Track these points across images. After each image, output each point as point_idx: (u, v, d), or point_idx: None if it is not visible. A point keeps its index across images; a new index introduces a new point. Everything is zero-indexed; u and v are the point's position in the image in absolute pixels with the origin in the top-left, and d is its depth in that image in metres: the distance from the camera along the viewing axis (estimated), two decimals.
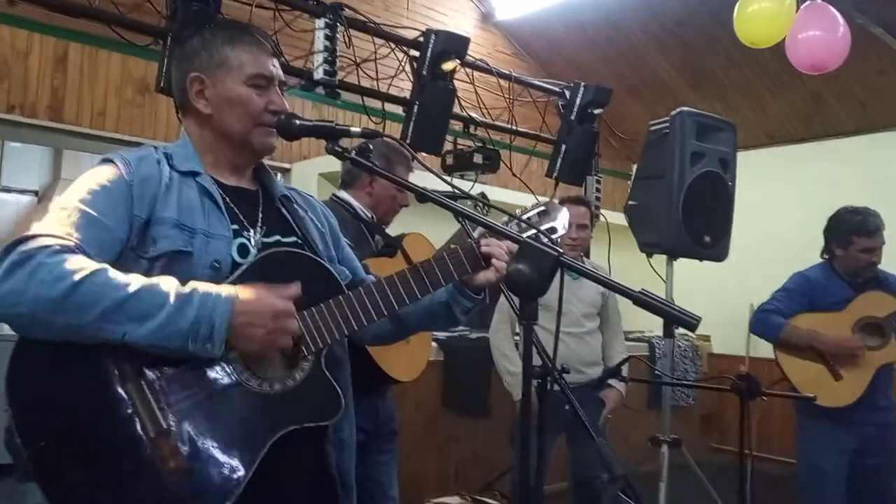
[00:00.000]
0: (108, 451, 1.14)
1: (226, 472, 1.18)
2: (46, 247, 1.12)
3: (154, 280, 1.17)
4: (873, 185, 5.10)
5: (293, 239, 1.42)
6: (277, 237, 1.40)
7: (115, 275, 1.14)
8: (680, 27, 5.44)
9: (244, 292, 1.19)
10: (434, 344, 4.16)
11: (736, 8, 3.68)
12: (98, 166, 1.30)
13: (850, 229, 2.93)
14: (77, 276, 1.10)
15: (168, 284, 1.16)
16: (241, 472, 1.18)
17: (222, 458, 1.18)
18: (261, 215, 1.40)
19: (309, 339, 1.28)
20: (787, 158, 6.11)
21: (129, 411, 1.15)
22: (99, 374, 1.15)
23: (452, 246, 1.43)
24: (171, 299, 1.14)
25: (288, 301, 1.22)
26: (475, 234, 1.45)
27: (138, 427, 1.15)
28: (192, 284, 1.17)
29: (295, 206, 1.48)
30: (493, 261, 1.39)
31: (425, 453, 4.26)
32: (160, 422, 1.16)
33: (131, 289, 1.13)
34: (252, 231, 1.36)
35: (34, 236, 1.14)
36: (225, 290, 1.18)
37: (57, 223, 1.17)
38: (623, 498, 3.08)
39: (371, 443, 2.36)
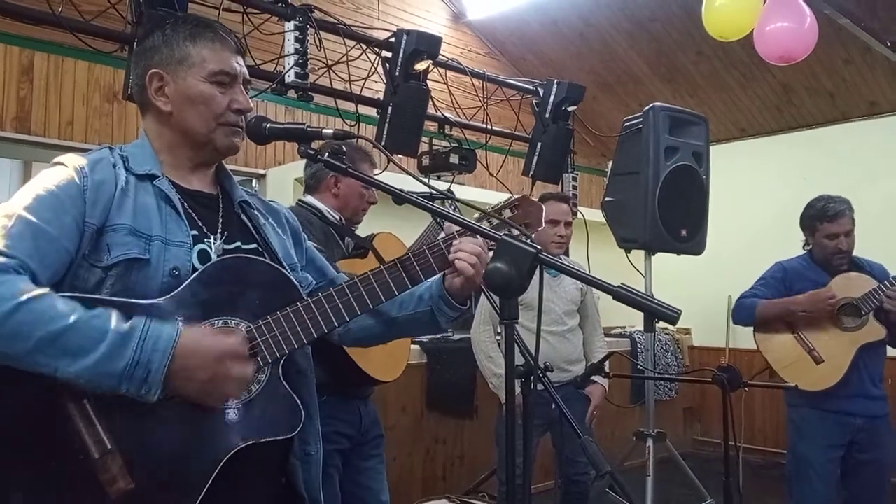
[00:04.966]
0: (49, 473, 1.08)
1: (177, 492, 1.12)
2: None
3: (96, 312, 1.10)
4: (845, 175, 5.17)
5: (254, 246, 1.36)
6: (238, 243, 1.34)
7: (53, 303, 1.08)
8: (651, 22, 5.47)
9: (188, 333, 1.13)
10: (416, 346, 4.14)
11: (704, 2, 3.70)
12: (50, 169, 1.24)
13: (813, 216, 2.98)
14: (12, 303, 1.04)
15: (109, 320, 1.09)
16: (194, 492, 1.12)
17: (173, 477, 1.12)
18: (221, 220, 1.34)
19: (265, 350, 1.23)
20: (759, 151, 6.18)
21: (72, 431, 1.09)
22: (39, 391, 1.09)
23: (421, 247, 1.38)
24: (109, 338, 1.07)
25: (236, 343, 1.16)
26: (441, 235, 1.40)
27: (82, 448, 1.08)
28: (134, 322, 1.10)
29: (255, 211, 1.43)
30: (456, 262, 1.33)
31: (412, 456, 4.23)
32: (105, 442, 1.09)
33: (68, 321, 1.06)
34: (212, 237, 1.30)
35: None
36: (167, 330, 1.11)
37: (0, 235, 1.11)
38: (610, 494, 3.09)
39: (357, 449, 2.34)
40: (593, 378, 2.94)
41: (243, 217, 1.39)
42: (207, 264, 1.24)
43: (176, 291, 1.20)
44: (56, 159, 1.26)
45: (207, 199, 1.36)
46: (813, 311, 2.86)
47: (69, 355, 1.06)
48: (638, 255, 3.40)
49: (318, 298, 1.28)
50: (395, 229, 2.67)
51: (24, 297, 1.05)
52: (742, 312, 3.03)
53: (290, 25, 2.66)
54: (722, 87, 5.88)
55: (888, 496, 2.90)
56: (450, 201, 2.57)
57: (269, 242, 1.39)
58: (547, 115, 3.58)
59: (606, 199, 3.47)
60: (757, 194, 5.91)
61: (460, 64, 3.39)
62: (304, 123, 1.35)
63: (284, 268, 1.35)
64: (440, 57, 3.04)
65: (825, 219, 2.92)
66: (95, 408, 1.10)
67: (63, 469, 1.08)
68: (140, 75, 1.33)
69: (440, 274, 1.38)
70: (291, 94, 2.77)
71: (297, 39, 2.65)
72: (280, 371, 1.26)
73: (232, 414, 1.19)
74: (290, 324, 1.25)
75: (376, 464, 2.41)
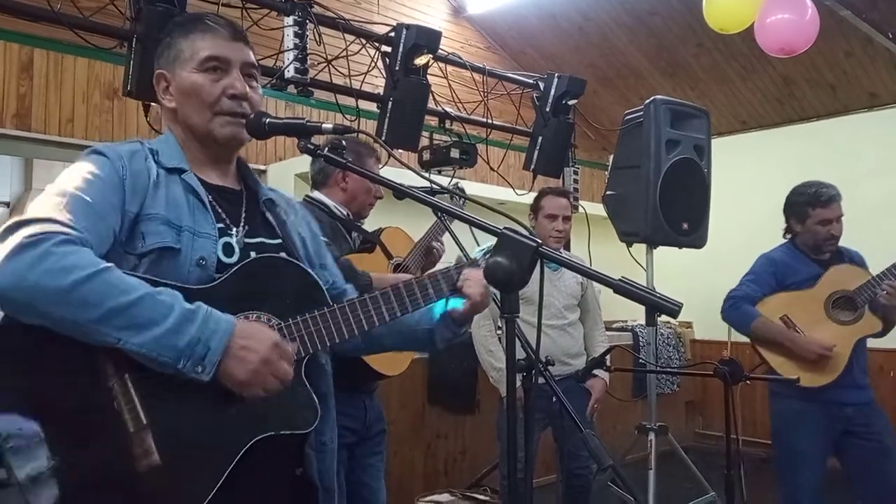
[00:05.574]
0: (85, 441, 1.13)
1: (199, 473, 1.17)
2: (55, 233, 1.10)
3: (161, 289, 1.15)
4: (845, 168, 5.16)
5: (278, 241, 1.41)
6: (261, 239, 1.39)
7: (122, 277, 1.13)
8: (650, 16, 5.46)
9: (246, 321, 1.20)
10: None
11: None
12: (89, 156, 1.27)
13: (804, 202, 2.93)
14: (85, 272, 1.08)
15: (174, 298, 1.14)
16: (215, 475, 1.17)
17: (197, 459, 1.17)
18: (244, 215, 1.39)
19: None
20: (760, 143, 6.17)
21: (109, 404, 1.14)
22: (85, 362, 1.14)
23: (442, 268, 1.47)
24: (175, 314, 1.12)
25: (289, 344, 1.22)
26: (455, 261, 1.52)
27: (118, 421, 1.13)
28: (198, 303, 1.16)
29: (278, 209, 1.47)
30: (465, 289, 1.43)
31: (413, 451, 4.24)
32: (140, 417, 1.14)
33: (138, 294, 1.11)
34: (235, 230, 1.35)
35: (40, 220, 1.11)
36: (228, 316, 1.17)
37: (60, 208, 1.15)
38: (612, 488, 3.10)
39: (362, 443, 2.35)
40: (594, 372, 2.95)
41: (268, 214, 1.44)
42: (248, 260, 1.30)
43: (217, 281, 1.25)
44: (93, 148, 1.29)
45: (231, 194, 1.41)
46: (807, 357, 2.81)
47: (136, 327, 1.10)
48: (639, 248, 3.40)
49: (342, 306, 1.34)
50: (401, 224, 2.67)
51: (98, 268, 1.10)
52: (735, 318, 2.99)
53: (289, 20, 2.65)
54: (723, 79, 5.86)
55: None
56: (458, 197, 2.58)
57: (290, 240, 1.43)
58: (547, 109, 3.57)
59: (607, 192, 3.47)
60: (758, 187, 5.89)
61: (460, 58, 3.37)
62: (303, 118, 1.35)
63: (311, 270, 1.39)
64: (440, 51, 3.03)
65: (818, 204, 2.89)
66: (135, 384, 1.15)
67: (98, 438, 1.13)
68: (152, 79, 1.40)
69: (444, 298, 1.47)
70: (291, 89, 2.76)
71: (296, 34, 2.64)
72: (302, 369, 1.30)
73: (256, 405, 1.23)
74: (317, 326, 1.31)
75: (377, 461, 2.42)
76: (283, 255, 1.38)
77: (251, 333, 1.17)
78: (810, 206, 2.91)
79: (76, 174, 1.22)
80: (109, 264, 1.13)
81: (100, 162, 1.25)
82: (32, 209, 1.15)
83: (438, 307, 1.49)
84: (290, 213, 1.51)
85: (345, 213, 2.43)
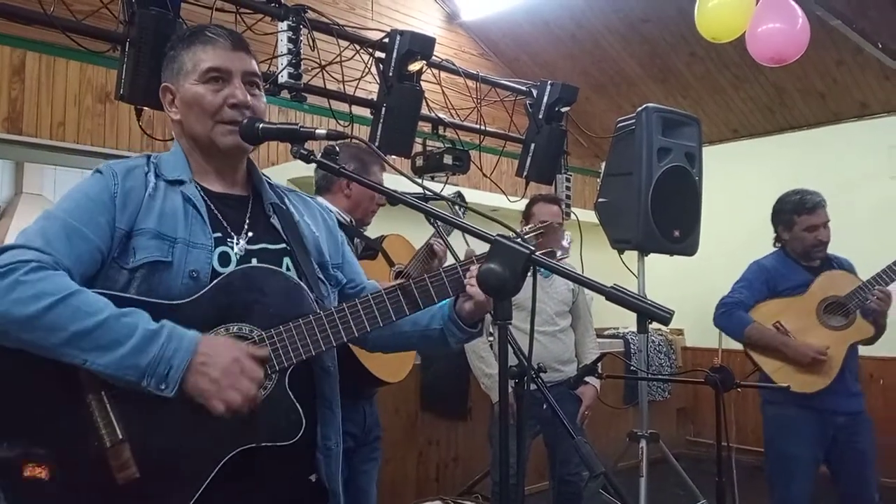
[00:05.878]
0: (64, 458, 1.16)
1: (178, 484, 1.18)
2: (26, 262, 1.14)
3: (126, 310, 1.17)
4: (836, 176, 5.20)
5: (282, 245, 1.40)
6: (264, 245, 1.38)
7: (88, 300, 1.16)
8: (643, 24, 5.49)
9: (210, 336, 1.21)
10: None
11: (697, 3, 3.71)
12: (89, 177, 1.32)
13: (790, 209, 2.97)
14: (52, 299, 1.13)
15: (137, 318, 1.17)
16: (193, 486, 1.18)
17: (176, 470, 1.18)
18: (248, 222, 1.38)
19: (274, 358, 1.26)
20: (751, 152, 6.20)
21: (87, 419, 1.16)
22: (60, 380, 1.17)
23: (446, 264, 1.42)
24: (137, 334, 1.15)
25: (254, 356, 1.21)
26: (463, 256, 1.44)
27: (95, 436, 1.16)
28: (162, 323, 1.18)
29: (290, 210, 1.46)
30: (469, 288, 1.36)
31: (405, 457, 4.23)
32: (116, 432, 1.16)
33: (102, 317, 1.15)
34: (236, 238, 1.34)
35: (13, 248, 1.17)
36: (191, 333, 1.19)
37: (39, 234, 1.21)
38: (604, 495, 3.10)
39: (359, 449, 2.35)
40: (586, 379, 2.95)
41: (273, 219, 1.42)
42: (228, 272, 1.29)
43: (196, 295, 1.25)
44: (97, 168, 1.33)
45: (236, 201, 1.41)
46: (801, 361, 2.83)
47: (100, 348, 1.13)
48: (631, 255, 3.41)
49: (330, 313, 1.31)
50: (402, 231, 2.68)
51: (64, 293, 1.14)
52: (728, 324, 3.00)
53: (283, 25, 2.65)
54: (714, 88, 5.89)
55: (875, 483, 2.88)
56: (452, 203, 2.58)
57: (301, 241, 1.42)
58: (540, 116, 3.58)
59: (600, 199, 3.48)
60: (749, 195, 5.91)
61: (454, 64, 3.38)
62: (296, 124, 1.35)
63: (305, 274, 1.38)
64: (434, 57, 3.04)
65: (804, 211, 2.93)
66: (111, 400, 1.18)
67: (77, 453, 1.16)
68: (144, 82, 1.45)
69: (453, 297, 1.42)
70: (285, 94, 2.76)
71: (290, 40, 2.64)
72: (287, 380, 1.29)
73: (237, 416, 1.21)
74: (301, 335, 1.28)
75: (372, 468, 2.43)
76: (267, 265, 1.35)
77: (211, 350, 1.18)
78: (796, 214, 2.95)
79: (69, 197, 1.28)
80: (78, 287, 1.16)
81: (94, 181, 1.30)
82: (17, 235, 1.20)
83: (447, 305, 1.44)
84: (304, 212, 1.50)
85: (348, 219, 2.43)
